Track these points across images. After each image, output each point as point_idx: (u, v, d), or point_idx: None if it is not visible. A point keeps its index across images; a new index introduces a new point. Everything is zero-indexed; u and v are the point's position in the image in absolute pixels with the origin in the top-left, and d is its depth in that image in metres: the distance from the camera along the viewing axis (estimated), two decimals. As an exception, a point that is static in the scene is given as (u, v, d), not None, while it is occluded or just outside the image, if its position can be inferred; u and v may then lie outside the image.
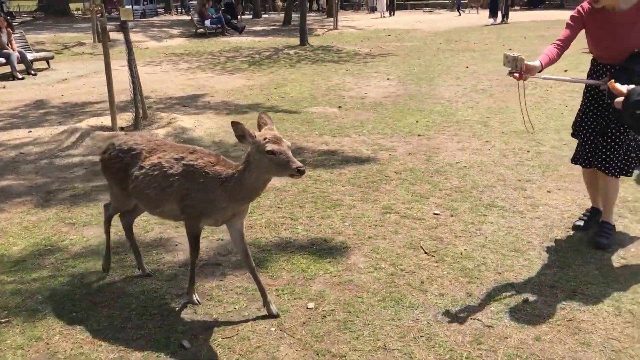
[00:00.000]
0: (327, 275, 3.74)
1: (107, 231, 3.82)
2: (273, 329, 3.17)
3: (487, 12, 26.32)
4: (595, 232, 4.05)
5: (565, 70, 9.79)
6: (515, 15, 27.29)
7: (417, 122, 7.70)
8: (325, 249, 4.10)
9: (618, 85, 2.19)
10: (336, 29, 23.60)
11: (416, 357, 2.88)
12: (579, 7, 3.85)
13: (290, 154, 2.88)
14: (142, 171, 3.31)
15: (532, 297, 3.37)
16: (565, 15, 19.31)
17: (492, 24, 23.79)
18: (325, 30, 23.57)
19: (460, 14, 31.35)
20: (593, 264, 3.73)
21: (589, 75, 3.99)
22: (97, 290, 3.62)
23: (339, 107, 8.91)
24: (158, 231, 4.50)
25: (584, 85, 4.08)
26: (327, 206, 4.87)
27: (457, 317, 3.21)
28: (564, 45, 3.77)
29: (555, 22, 23.78)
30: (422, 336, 3.05)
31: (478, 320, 3.16)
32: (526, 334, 3.02)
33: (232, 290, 3.60)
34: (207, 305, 3.43)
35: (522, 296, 3.38)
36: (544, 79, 3.98)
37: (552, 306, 3.27)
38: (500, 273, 3.66)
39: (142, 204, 3.46)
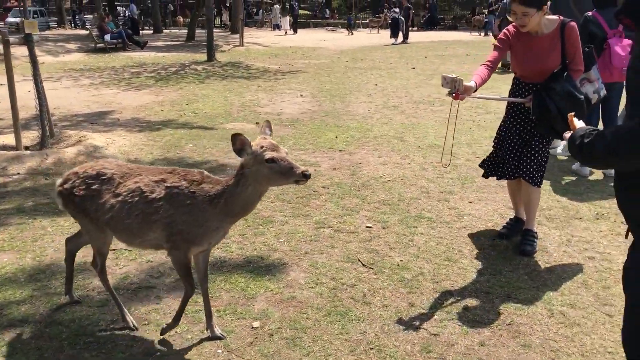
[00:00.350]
0: (268, 293, 3.68)
1: (107, 285, 3.37)
2: (220, 351, 3.07)
3: (387, 32, 27.36)
4: (520, 239, 4.28)
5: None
6: (414, 36, 28.49)
7: (336, 137, 7.81)
8: (262, 267, 4.04)
9: (575, 120, 2.33)
10: (242, 45, 23.55)
11: (369, 370, 2.90)
12: (505, 30, 4.09)
13: (290, 159, 2.74)
14: (119, 199, 2.97)
15: (471, 304, 3.49)
16: (459, 35, 20.73)
17: (393, 44, 24.71)
18: (231, 46, 23.45)
19: (352, 34, 32.29)
20: (521, 269, 3.94)
21: (512, 94, 4.24)
22: (22, 321, 3.34)
23: (256, 123, 8.86)
24: (81, 255, 4.23)
25: (498, 102, 4.35)
26: (259, 223, 4.81)
27: (403, 327, 3.26)
28: (493, 66, 3.98)
29: (452, 42, 25.14)
30: (372, 348, 3.07)
31: (424, 329, 3.23)
32: (471, 340, 3.12)
33: (170, 313, 3.44)
34: (146, 330, 3.27)
35: (461, 303, 3.50)
36: (479, 98, 4.18)
37: (490, 311, 3.40)
38: (437, 282, 3.77)
39: (120, 235, 3.09)
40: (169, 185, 2.93)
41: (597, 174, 6.00)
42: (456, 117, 4.07)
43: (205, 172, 3.06)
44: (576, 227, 4.59)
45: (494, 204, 5.15)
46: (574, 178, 5.93)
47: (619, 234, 4.46)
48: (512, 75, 4.35)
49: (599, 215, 4.86)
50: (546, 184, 5.46)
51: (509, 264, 4.02)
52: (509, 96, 4.27)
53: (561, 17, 4.00)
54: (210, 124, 8.82)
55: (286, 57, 19.84)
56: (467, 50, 21.11)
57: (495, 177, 4.41)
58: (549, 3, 3.87)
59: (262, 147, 2.74)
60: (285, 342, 3.14)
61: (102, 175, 3.10)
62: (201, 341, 3.17)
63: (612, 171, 5.58)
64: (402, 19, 25.63)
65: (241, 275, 3.92)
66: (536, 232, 4.28)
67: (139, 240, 3.04)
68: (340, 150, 7.13)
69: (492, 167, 4.38)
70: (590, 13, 5.15)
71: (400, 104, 10.32)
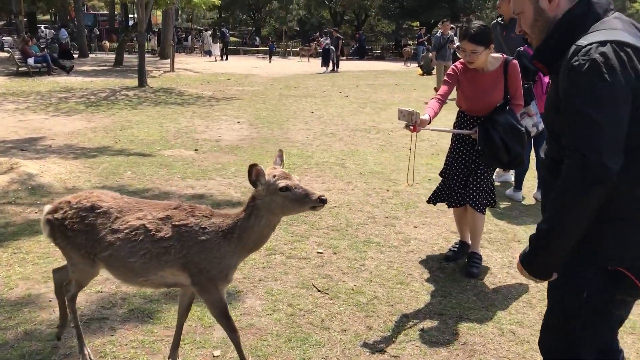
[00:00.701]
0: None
1: (75, 315, 3.21)
2: (183, 382, 3.03)
3: (317, 61, 27.87)
4: (465, 262, 4.47)
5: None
6: (344, 65, 29.13)
7: (277, 164, 7.86)
8: (217, 295, 4.00)
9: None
10: (173, 71, 23.30)
11: (335, 394, 2.94)
12: (453, 67, 4.37)
13: (304, 186, 2.70)
14: (119, 235, 2.80)
15: (426, 326, 3.61)
16: (387, 65, 21.41)
17: (324, 72, 25.19)
18: (161, 72, 23.15)
19: (270, 62, 32.76)
20: (470, 290, 4.11)
21: (456, 126, 4.50)
22: (-35, 360, 3.16)
23: (195, 150, 8.80)
24: (24, 287, 4.06)
25: (432, 132, 4.62)
26: (209, 250, 4.77)
27: (363, 350, 3.33)
28: (443, 100, 4.23)
29: (381, 72, 25.92)
30: (333, 370, 3.12)
31: (384, 352, 3.31)
32: (430, 361, 3.23)
33: (126, 344, 3.37)
34: (103, 363, 3.18)
35: (417, 325, 3.61)
36: (432, 130, 4.41)
37: (445, 332, 3.53)
38: (392, 305, 3.87)
39: (118, 273, 2.91)
40: (177, 223, 2.79)
41: (529, 199, 6.35)
42: (415, 147, 4.39)
43: (212, 209, 2.95)
44: (516, 250, 4.85)
45: (437, 228, 5.35)
46: (509, 203, 6.26)
47: (555, 255, 4.73)
48: (454, 105, 4.59)
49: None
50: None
51: (458, 285, 4.19)
52: (454, 128, 4.49)
53: (504, 55, 4.31)
54: (147, 151, 8.66)
55: (219, 83, 19.80)
56: (395, 80, 21.81)
57: (442, 203, 4.61)
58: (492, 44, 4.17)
59: (274, 176, 2.68)
60: (248, 369, 3.14)
61: (97, 208, 2.92)
62: (162, 372, 3.11)
63: (519, 195, 5.94)
64: (333, 48, 26.21)
65: (196, 304, 3.84)
66: (481, 255, 4.48)
67: (141, 279, 2.89)
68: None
69: (439, 194, 4.58)
70: (522, 48, 5.52)
71: (338, 132, 10.53)
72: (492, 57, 4.22)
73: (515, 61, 4.26)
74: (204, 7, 24.41)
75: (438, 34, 15.83)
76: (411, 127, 3.92)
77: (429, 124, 4.05)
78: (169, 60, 24.41)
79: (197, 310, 3.77)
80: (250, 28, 60.08)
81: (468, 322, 3.65)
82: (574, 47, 1.88)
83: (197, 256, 2.76)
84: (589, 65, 1.81)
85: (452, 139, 4.51)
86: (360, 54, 38.35)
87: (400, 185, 6.80)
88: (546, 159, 2.16)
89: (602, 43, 1.83)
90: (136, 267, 2.81)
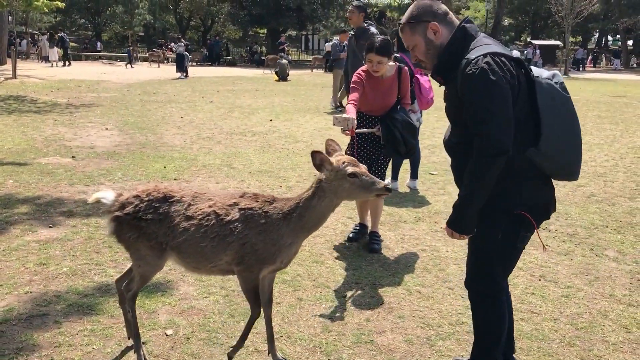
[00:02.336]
0: (166, 306, 3.94)
1: (134, 313, 3.27)
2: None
3: (167, 67, 27.58)
4: (367, 241, 5.13)
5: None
6: (196, 71, 29.09)
7: (165, 167, 8.03)
8: (149, 286, 4.20)
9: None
10: (15, 78, 21.76)
11: (285, 352, 3.39)
12: (357, 73, 4.93)
13: (370, 174, 2.92)
14: (193, 222, 2.97)
15: (348, 293, 4.19)
16: (241, 72, 21.80)
17: (179, 78, 25.01)
18: (2, 79, 21.52)
19: (132, 67, 32.00)
20: (376, 263, 4.77)
21: (360, 125, 4.96)
22: None
23: (73, 157, 8.62)
24: (2, 304, 3.99)
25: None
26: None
27: (300, 317, 3.81)
28: (357, 104, 4.72)
29: (237, 78, 26.33)
30: (281, 336, 3.57)
31: (317, 316, 3.83)
32: (359, 318, 3.81)
33: (77, 334, 3.53)
34: (62, 351, 3.33)
35: (340, 293, 4.17)
36: (361, 132, 4.90)
37: (365, 296, 4.14)
38: (314, 280, 4.40)
39: (190, 260, 3.06)
40: (242, 207, 2.98)
41: (403, 187, 7.21)
42: (356, 150, 4.97)
43: (276, 195, 3.16)
44: (404, 228, 5.62)
45: (335, 215, 5.95)
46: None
47: (436, 231, 5.58)
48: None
49: (417, 219, 5.97)
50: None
51: (365, 260, 4.83)
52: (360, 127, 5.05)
53: (397, 63, 5.05)
54: (21, 160, 8.32)
55: (70, 90, 18.91)
56: (254, 85, 22.35)
57: None
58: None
59: (343, 162, 2.89)
60: (203, 342, 3.48)
61: (171, 198, 3.06)
62: (122, 354, 3.34)
63: (416, 183, 6.86)
64: (187, 54, 26.12)
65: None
66: (379, 234, 5.17)
67: (210, 265, 3.05)
68: (175, 179, 7.40)
69: None
70: (398, 54, 6.30)
71: (214, 135, 10.81)
72: (390, 66, 4.94)
73: (406, 68, 5.06)
74: (46, 10, 22.95)
75: (335, 42, 16.17)
76: (347, 132, 4.50)
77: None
78: (5, 67, 22.71)
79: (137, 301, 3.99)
80: (90, 32, 57.17)
81: (381, 288, 4.29)
82: (464, 60, 2.61)
83: (256, 237, 2.93)
84: (479, 72, 2.53)
85: (351, 137, 5.05)
86: (214, 60, 38.43)
87: (291, 181, 7.35)
88: (449, 141, 2.89)
89: (484, 55, 2.57)
90: (206, 251, 2.98)
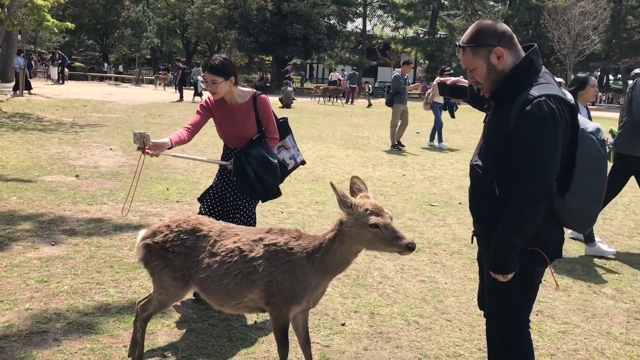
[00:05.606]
0: (165, 328, 3.96)
1: (143, 334, 3.32)
2: (144, 380, 3.31)
3: (171, 89, 27.88)
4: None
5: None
6: (205, 95, 29.31)
7: (167, 189, 8.09)
8: (149, 306, 4.27)
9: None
10: (22, 95, 21.98)
11: None
12: (206, 99, 4.48)
13: (395, 227, 2.69)
14: (217, 258, 2.95)
15: (346, 322, 4.21)
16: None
17: (177, 100, 25.23)
18: (8, 96, 21.74)
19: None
20: (374, 292, 4.78)
21: (223, 157, 4.63)
22: None
23: (77, 176, 8.69)
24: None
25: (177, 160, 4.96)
26: (127, 269, 4.98)
27: (297, 343, 3.83)
28: (193, 129, 4.33)
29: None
30: (273, 357, 3.58)
31: (317, 343, 3.84)
32: (357, 347, 3.83)
33: (76, 352, 3.56)
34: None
35: (338, 321, 4.20)
36: (173, 156, 4.54)
37: (363, 325, 4.16)
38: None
39: (213, 297, 3.04)
40: (267, 243, 2.92)
41: (403, 218, 7.27)
42: (140, 171, 4.36)
43: (302, 230, 3.07)
44: (404, 259, 5.64)
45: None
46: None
47: (435, 262, 5.61)
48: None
49: (417, 249, 5.98)
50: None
51: (364, 288, 4.85)
52: (222, 159, 4.63)
53: (254, 90, 4.51)
54: (25, 177, 8.39)
55: (76, 109, 19.10)
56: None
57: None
58: (238, 76, 4.35)
59: (366, 209, 2.68)
60: (202, 365, 3.50)
61: (198, 232, 3.05)
62: (121, 374, 3.36)
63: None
64: (200, 78, 26.34)
65: (131, 315, 4.08)
66: None
67: (234, 302, 3.00)
68: (177, 202, 7.46)
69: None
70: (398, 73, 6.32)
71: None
72: (241, 91, 4.38)
73: (264, 96, 4.44)
74: (56, 30, 23.34)
75: (398, 74, 14.10)
76: (142, 149, 4.00)
77: (169, 148, 4.14)
78: (12, 84, 22.94)
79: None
80: (97, 54, 57.82)
81: (379, 317, 4.31)
82: (527, 95, 2.57)
83: (281, 275, 2.85)
84: (541, 115, 2.50)
85: (219, 169, 4.65)
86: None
87: (292, 207, 7.40)
88: (478, 166, 2.83)
89: (548, 97, 2.54)
90: (230, 288, 2.94)
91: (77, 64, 49.23)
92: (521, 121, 2.57)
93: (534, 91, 2.59)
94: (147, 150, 3.98)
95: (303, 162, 4.86)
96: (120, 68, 48.50)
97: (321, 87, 32.99)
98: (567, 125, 2.58)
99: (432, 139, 14.78)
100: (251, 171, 4.18)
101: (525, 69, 2.68)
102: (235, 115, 4.36)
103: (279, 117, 4.60)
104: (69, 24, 23.54)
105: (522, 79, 2.66)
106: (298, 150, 4.74)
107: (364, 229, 2.68)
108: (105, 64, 49.67)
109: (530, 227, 2.59)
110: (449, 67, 15.64)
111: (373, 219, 2.65)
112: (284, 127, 4.62)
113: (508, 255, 2.64)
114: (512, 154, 2.60)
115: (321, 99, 31.66)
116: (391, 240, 2.65)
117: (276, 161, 4.36)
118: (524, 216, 2.57)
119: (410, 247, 2.65)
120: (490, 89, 2.76)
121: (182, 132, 4.25)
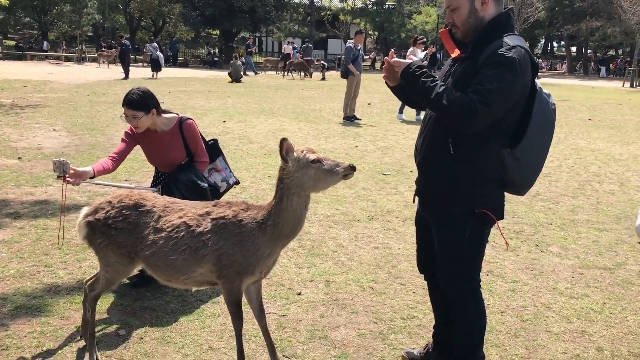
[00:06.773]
0: (118, 306, 3.90)
1: (93, 313, 3.23)
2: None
3: (117, 67, 27.04)
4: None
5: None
6: (147, 72, 28.53)
7: (116, 168, 7.89)
8: (101, 286, 4.18)
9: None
10: (-44, 77, 20.94)
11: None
12: (131, 127, 4.26)
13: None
14: (163, 234, 2.89)
15: (302, 291, 4.23)
16: (194, 73, 21.47)
17: (123, 79, 24.48)
18: (-59, 78, 20.69)
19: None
20: (329, 261, 4.82)
21: (153, 182, 4.58)
22: None
23: (19, 158, 8.38)
24: None
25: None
26: (76, 250, 4.86)
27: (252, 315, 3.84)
28: (119, 158, 4.18)
29: (190, 79, 26.02)
30: (229, 330, 3.57)
31: (273, 312, 3.85)
32: (313, 315, 3.86)
33: (26, 336, 3.48)
34: (10, 354, 3.26)
35: (294, 290, 4.21)
36: (97, 184, 4.56)
37: (318, 293, 4.19)
38: (269, 278, 4.41)
39: (160, 273, 2.98)
40: (214, 216, 2.89)
41: (358, 188, 7.32)
42: (64, 202, 4.09)
43: (249, 201, 3.02)
44: (358, 227, 5.70)
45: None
46: (346, 189, 7.14)
47: (389, 229, 5.68)
48: None
49: (370, 217, 6.07)
50: (327, 196, 6.55)
51: (319, 258, 4.87)
52: (153, 185, 4.56)
53: (180, 115, 4.35)
54: (-35, 160, 8.05)
55: (15, 90, 18.33)
56: (207, 87, 22.17)
57: None
58: (159, 106, 4.21)
59: (302, 151, 2.78)
60: (156, 341, 3.47)
61: (141, 207, 2.98)
62: (75, 354, 3.30)
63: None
64: (161, 54, 25.63)
65: (82, 296, 3.99)
66: None
67: (182, 278, 2.96)
68: (126, 180, 7.29)
69: None
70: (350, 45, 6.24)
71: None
72: (165, 118, 4.26)
73: (190, 121, 4.32)
74: (-11, 7, 22.19)
75: (351, 45, 14.08)
76: (63, 178, 3.78)
77: (92, 177, 4.00)
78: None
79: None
80: (35, 32, 55.45)
81: (334, 285, 4.35)
82: (501, 42, 2.60)
83: (232, 248, 2.83)
84: (510, 59, 2.53)
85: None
86: (173, 62, 38.14)
87: (245, 182, 7.35)
88: (436, 123, 2.82)
89: (522, 49, 2.59)
90: (177, 264, 2.89)
91: (12, 42, 47.17)
92: (490, 59, 2.58)
93: (508, 40, 2.63)
94: (67, 179, 3.79)
95: (237, 183, 4.82)
96: (64, 46, 46.77)
97: (270, 60, 32.57)
98: (528, 80, 2.63)
99: (401, 110, 14.62)
100: (180, 196, 3.95)
101: (503, 22, 2.72)
102: (161, 143, 4.26)
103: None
104: (2, 0, 22.36)
105: (498, 32, 2.68)
106: (230, 171, 4.71)
107: (307, 168, 2.74)
108: (45, 42, 47.74)
109: (436, 102, 2.59)
110: (422, 36, 15.79)
111: (312, 156, 2.75)
112: (214, 150, 4.56)
113: (417, 83, 2.68)
114: (471, 85, 2.59)
115: (287, 73, 31.16)
116: (334, 168, 2.73)
117: (206, 185, 4.28)
118: (441, 104, 2.57)
119: (352, 167, 2.74)
120: (464, 36, 2.76)
121: (106, 161, 4.11)
